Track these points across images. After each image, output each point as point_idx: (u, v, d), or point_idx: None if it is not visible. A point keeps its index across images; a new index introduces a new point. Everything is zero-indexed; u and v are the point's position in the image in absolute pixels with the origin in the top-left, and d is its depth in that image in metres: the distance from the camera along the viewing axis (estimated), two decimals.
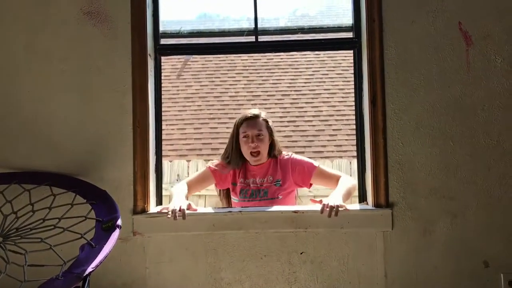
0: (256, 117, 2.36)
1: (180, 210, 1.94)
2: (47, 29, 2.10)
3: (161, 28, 2.23)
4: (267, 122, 2.39)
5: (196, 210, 2.04)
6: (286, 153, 2.43)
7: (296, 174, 2.35)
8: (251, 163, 2.37)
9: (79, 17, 2.09)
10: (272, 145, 2.39)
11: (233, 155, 2.36)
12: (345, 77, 7.40)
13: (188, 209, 2.00)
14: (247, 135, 2.32)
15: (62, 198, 1.88)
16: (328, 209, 1.93)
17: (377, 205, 2.04)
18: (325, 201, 1.99)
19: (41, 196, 1.89)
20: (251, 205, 2.28)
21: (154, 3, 2.20)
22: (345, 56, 7.59)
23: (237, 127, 2.38)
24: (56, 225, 1.70)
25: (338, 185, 2.23)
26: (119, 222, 1.72)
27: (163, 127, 2.27)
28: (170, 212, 1.93)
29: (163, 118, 2.25)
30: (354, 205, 2.13)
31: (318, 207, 1.98)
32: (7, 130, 2.09)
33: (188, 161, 5.30)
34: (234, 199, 2.41)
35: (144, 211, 2.05)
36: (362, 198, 2.18)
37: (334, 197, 2.04)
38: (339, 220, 1.97)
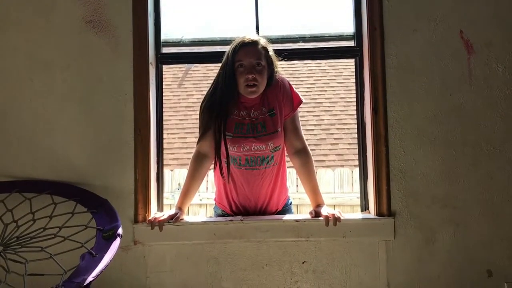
0: (254, 43, 2.00)
1: (159, 221, 1.97)
2: (48, 38, 2.10)
3: (163, 37, 2.23)
4: (267, 50, 2.03)
5: (182, 219, 2.03)
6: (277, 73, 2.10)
7: (283, 102, 2.05)
8: (245, 95, 2.01)
9: (81, 26, 2.10)
10: (271, 77, 2.05)
11: (224, 89, 2.00)
12: (347, 86, 7.42)
13: (172, 219, 1.99)
14: (243, 64, 1.98)
15: (63, 206, 1.87)
16: (332, 218, 1.94)
17: (379, 214, 2.03)
18: (324, 212, 1.98)
19: (41, 205, 1.88)
20: (248, 142, 2.01)
21: (156, 12, 2.20)
22: (347, 65, 7.61)
23: (231, 54, 2.00)
24: (56, 234, 1.69)
25: (313, 184, 2.08)
26: (120, 231, 1.71)
27: (164, 136, 2.26)
28: (147, 222, 1.99)
29: (164, 127, 2.25)
30: (356, 214, 2.12)
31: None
32: (8, 138, 2.08)
33: None
34: (227, 134, 2.02)
35: (145, 220, 2.03)
36: (364, 207, 2.17)
37: (322, 205, 2.05)
38: (341, 229, 1.97)
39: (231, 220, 2.01)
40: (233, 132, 2.01)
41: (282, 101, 2.04)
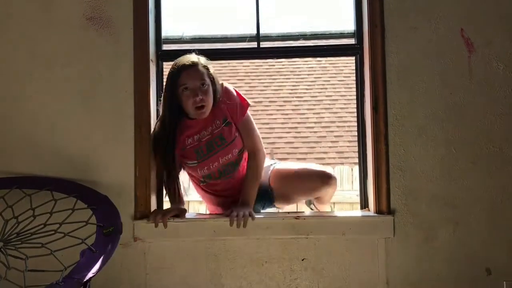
0: (195, 64, 2.00)
1: (163, 216, 1.98)
2: (49, 34, 2.10)
3: (163, 33, 2.23)
4: (208, 69, 2.03)
5: (184, 217, 2.05)
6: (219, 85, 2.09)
7: (233, 108, 2.08)
8: (195, 117, 2.04)
9: (81, 22, 2.10)
10: (215, 94, 2.05)
11: (171, 116, 2.03)
12: (347, 84, 7.42)
13: (178, 216, 2.02)
14: (188, 87, 1.97)
15: (63, 203, 1.87)
16: (236, 220, 1.94)
17: (378, 211, 2.03)
18: (234, 212, 1.97)
19: (42, 201, 1.87)
20: (214, 159, 2.08)
21: (157, 8, 2.20)
22: (347, 63, 7.60)
23: (173, 79, 2.01)
24: (57, 230, 1.69)
25: (247, 186, 2.09)
26: (120, 227, 1.72)
27: None
28: (151, 219, 1.99)
29: None
30: (356, 212, 2.13)
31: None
32: (9, 135, 2.08)
33: None
34: (191, 163, 2.11)
35: (145, 216, 2.04)
36: (364, 204, 2.17)
37: (244, 204, 2.04)
38: (340, 226, 1.98)
39: None
40: (196, 159, 2.08)
41: (232, 107, 2.07)
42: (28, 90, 2.09)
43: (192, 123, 2.07)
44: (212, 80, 2.04)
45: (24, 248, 1.60)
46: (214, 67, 2.10)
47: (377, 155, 2.04)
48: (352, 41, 2.23)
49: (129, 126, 2.07)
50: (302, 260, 2.01)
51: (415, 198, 2.02)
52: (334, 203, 4.72)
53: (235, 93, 2.10)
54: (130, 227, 2.01)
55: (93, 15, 2.10)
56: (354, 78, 2.26)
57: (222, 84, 2.10)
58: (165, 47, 2.25)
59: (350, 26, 2.26)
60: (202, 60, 2.04)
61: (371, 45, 2.07)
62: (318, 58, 7.66)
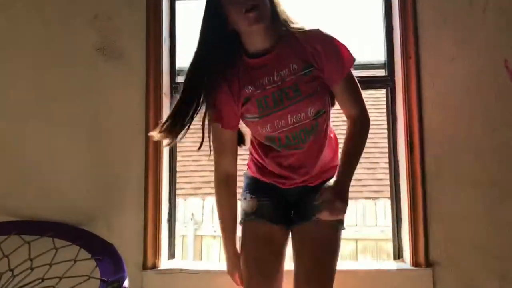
0: None
1: None
2: (56, 66, 2.00)
3: (178, 64, 2.09)
4: None
5: None
6: (302, 25, 1.52)
7: (326, 58, 1.51)
8: (248, 28, 1.46)
9: (90, 53, 1.99)
10: (274, 9, 1.48)
11: (218, 48, 1.50)
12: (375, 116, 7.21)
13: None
14: None
15: (65, 251, 1.70)
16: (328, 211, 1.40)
17: (416, 264, 1.82)
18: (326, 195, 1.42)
19: (42, 250, 1.71)
20: (281, 115, 1.52)
21: (171, 38, 2.07)
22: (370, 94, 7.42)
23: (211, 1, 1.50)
24: (56, 286, 1.54)
25: (348, 151, 1.52)
26: (126, 283, 1.55)
27: (179, 158, 2.11)
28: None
29: (178, 149, 2.08)
30: (390, 263, 1.92)
31: None
32: (11, 175, 1.97)
33: (203, 199, 5.12)
34: (251, 117, 1.56)
35: (154, 266, 1.87)
36: (398, 255, 1.95)
37: (338, 190, 1.44)
38: (372, 280, 1.78)
39: None
40: (258, 113, 1.54)
41: (325, 56, 1.50)
42: (31, 126, 1.99)
43: (256, 62, 1.53)
44: None
45: None
46: None
47: (414, 199, 1.84)
48: (382, 72, 2.06)
49: (139, 164, 1.93)
50: None
51: (456, 249, 1.82)
52: (357, 240, 4.45)
53: (335, 41, 1.52)
54: (138, 278, 1.84)
55: (103, 46, 1.99)
56: (380, 111, 2.07)
57: (317, 29, 1.53)
58: (180, 79, 2.09)
59: (379, 57, 2.10)
60: None
61: (404, 78, 1.89)
62: None
